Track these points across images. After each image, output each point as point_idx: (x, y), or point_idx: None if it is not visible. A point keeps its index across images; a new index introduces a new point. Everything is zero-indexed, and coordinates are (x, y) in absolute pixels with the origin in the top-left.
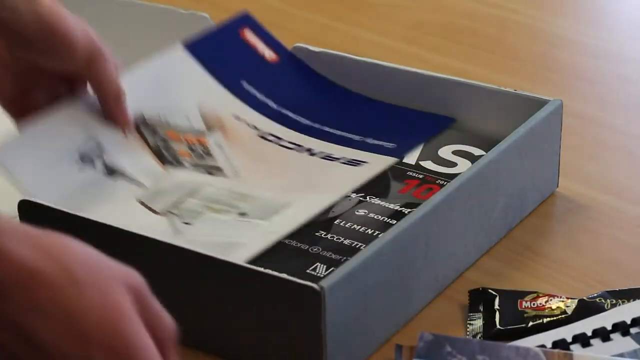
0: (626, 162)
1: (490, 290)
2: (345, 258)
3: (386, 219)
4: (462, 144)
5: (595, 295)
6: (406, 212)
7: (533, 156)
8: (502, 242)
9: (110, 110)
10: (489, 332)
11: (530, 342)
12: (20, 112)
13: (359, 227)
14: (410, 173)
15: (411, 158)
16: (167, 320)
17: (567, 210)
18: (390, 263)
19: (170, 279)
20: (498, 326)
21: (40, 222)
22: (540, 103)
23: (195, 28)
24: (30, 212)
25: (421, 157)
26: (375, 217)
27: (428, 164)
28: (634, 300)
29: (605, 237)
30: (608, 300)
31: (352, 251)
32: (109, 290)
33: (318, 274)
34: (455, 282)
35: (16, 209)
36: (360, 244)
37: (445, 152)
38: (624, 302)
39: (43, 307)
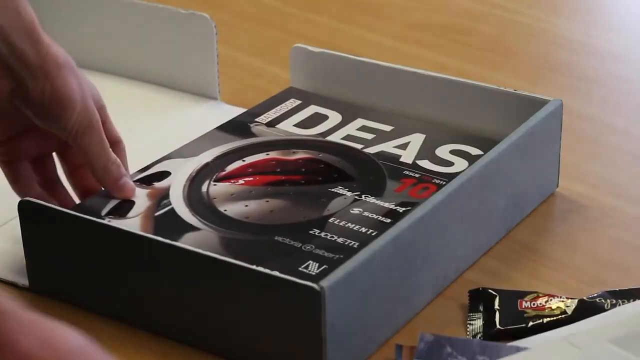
0: (626, 162)
1: (490, 290)
2: (338, 256)
3: (381, 217)
4: (460, 144)
5: (595, 295)
6: (401, 210)
7: (533, 156)
8: (502, 242)
9: (99, 179)
10: (489, 332)
11: (530, 342)
12: (6, 157)
13: (353, 225)
14: (407, 172)
15: (408, 157)
16: None
17: (567, 210)
18: (390, 263)
19: (170, 278)
20: (498, 326)
21: (40, 222)
22: (540, 103)
23: (195, 28)
24: (30, 212)
25: (418, 157)
26: (369, 215)
27: (425, 163)
28: (634, 300)
29: (605, 237)
30: (608, 300)
31: (345, 250)
32: None
33: (310, 272)
34: (455, 282)
35: (16, 209)
36: (353, 242)
37: (443, 151)
38: (624, 302)
39: None
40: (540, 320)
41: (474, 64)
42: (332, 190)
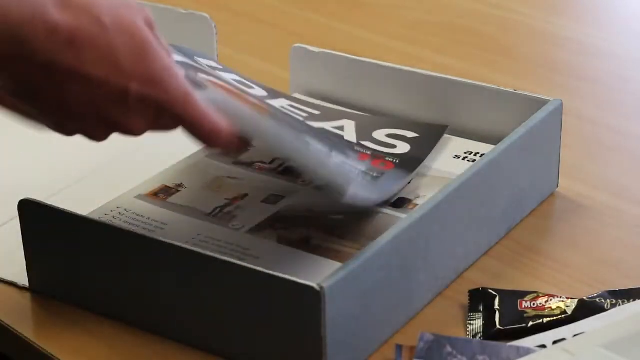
0: (626, 162)
1: (490, 290)
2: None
3: (359, 173)
4: (395, 128)
5: (595, 295)
6: (374, 174)
7: (533, 156)
8: (502, 242)
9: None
10: (489, 332)
11: (530, 342)
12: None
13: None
14: (358, 148)
15: (351, 137)
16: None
17: (567, 210)
18: (390, 263)
19: (170, 278)
20: (498, 326)
21: (40, 222)
22: (540, 103)
23: (195, 28)
24: (30, 212)
25: (359, 138)
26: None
27: (369, 144)
28: (634, 300)
29: (605, 237)
30: (608, 300)
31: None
32: (134, 31)
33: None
34: (455, 282)
35: (16, 209)
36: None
37: (380, 135)
38: (624, 302)
39: (86, 54)
40: (540, 320)
41: (474, 64)
42: (304, 138)
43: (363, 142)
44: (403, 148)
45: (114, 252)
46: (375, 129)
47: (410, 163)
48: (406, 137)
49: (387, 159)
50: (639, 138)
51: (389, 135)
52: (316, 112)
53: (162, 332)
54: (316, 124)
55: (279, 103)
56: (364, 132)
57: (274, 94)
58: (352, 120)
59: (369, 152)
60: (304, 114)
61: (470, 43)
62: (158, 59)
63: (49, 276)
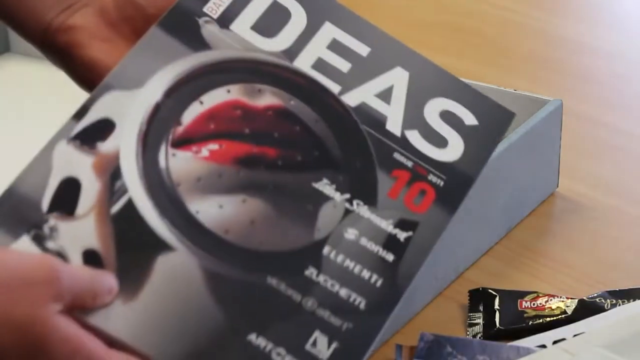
0: (626, 161)
1: (490, 290)
2: (346, 325)
3: (381, 251)
4: (451, 99)
5: (595, 295)
6: (402, 238)
7: (533, 156)
8: (502, 242)
9: None
10: (489, 332)
11: (530, 342)
12: None
13: (353, 264)
14: (398, 156)
15: (395, 121)
16: (90, 279)
17: (567, 210)
18: None
19: None
20: (498, 326)
21: None
22: (540, 103)
23: None
24: None
25: (406, 122)
26: (368, 246)
27: (414, 137)
28: (634, 300)
29: (606, 237)
30: (608, 300)
31: (352, 312)
32: (28, 330)
33: (318, 354)
34: (455, 282)
35: None
36: (359, 299)
37: (433, 113)
38: (624, 302)
39: None
40: (540, 320)
41: (474, 63)
42: (316, 186)
43: (408, 132)
44: (454, 149)
45: None
46: (430, 97)
47: (455, 190)
48: (463, 122)
49: (430, 178)
50: (639, 138)
51: (443, 115)
52: (364, 52)
53: None
54: (355, 95)
55: (314, 51)
56: (415, 102)
57: (319, 14)
58: (406, 69)
59: (409, 165)
60: (347, 64)
61: (471, 43)
62: (57, 351)
63: None
